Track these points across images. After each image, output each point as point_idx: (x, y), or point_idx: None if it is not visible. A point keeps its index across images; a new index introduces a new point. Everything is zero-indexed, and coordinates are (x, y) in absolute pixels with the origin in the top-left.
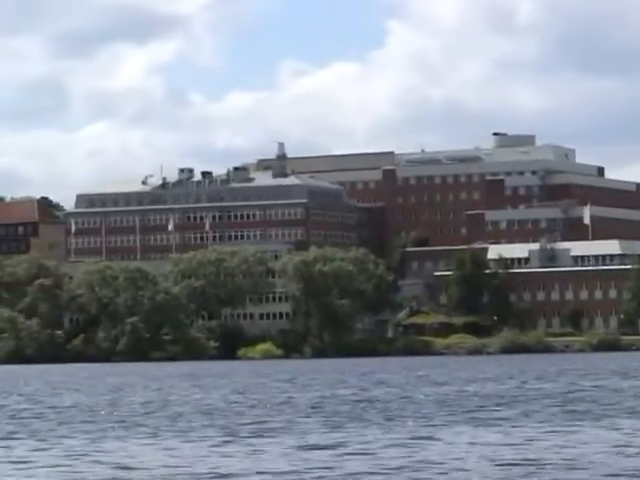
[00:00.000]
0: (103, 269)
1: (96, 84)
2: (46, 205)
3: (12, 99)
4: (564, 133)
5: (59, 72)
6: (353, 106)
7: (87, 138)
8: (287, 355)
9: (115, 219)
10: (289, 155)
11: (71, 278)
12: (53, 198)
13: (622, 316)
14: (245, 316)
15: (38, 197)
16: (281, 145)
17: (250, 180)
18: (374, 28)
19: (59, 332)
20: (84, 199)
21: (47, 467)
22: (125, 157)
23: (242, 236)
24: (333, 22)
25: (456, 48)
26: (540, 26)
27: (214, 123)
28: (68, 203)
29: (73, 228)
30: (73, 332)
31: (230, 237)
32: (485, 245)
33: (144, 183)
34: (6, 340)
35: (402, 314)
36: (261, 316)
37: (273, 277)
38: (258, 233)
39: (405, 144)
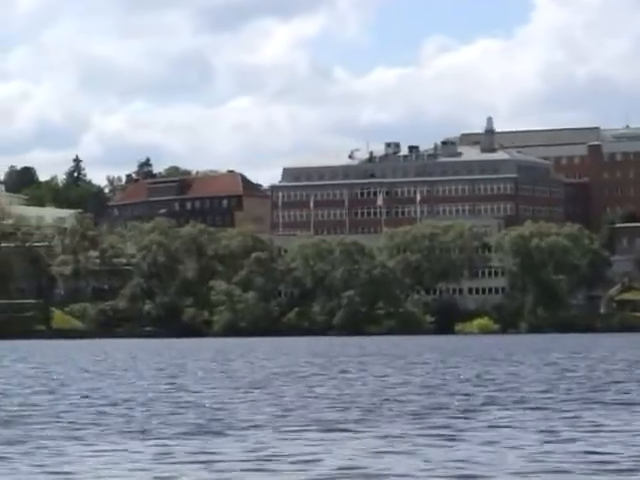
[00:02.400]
0: (318, 242)
1: (241, 59)
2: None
3: (158, 74)
4: None
5: (204, 47)
6: (497, 82)
7: (231, 112)
8: (503, 330)
9: (323, 193)
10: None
11: (284, 251)
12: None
13: None
14: (456, 291)
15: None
16: (489, 120)
17: (458, 155)
18: (519, 4)
19: (273, 305)
20: (290, 173)
21: None
22: (269, 132)
23: (450, 211)
24: None
25: (601, 24)
26: None
27: (358, 99)
28: None
29: (280, 202)
30: (287, 305)
31: (438, 212)
32: None
33: (351, 157)
34: (222, 313)
35: (614, 290)
36: (471, 290)
37: (484, 252)
38: (467, 208)
39: (548, 121)
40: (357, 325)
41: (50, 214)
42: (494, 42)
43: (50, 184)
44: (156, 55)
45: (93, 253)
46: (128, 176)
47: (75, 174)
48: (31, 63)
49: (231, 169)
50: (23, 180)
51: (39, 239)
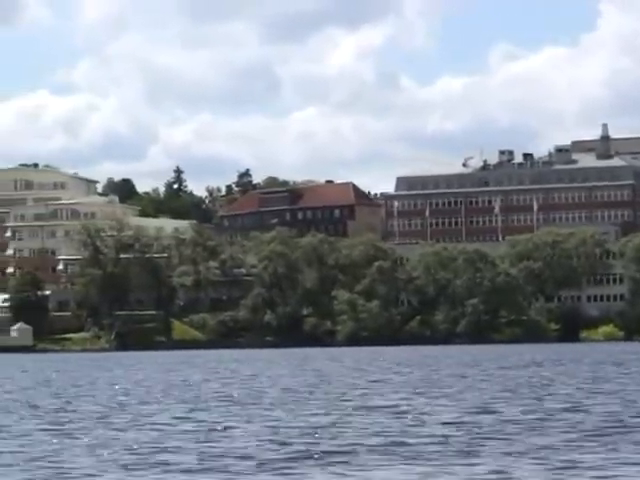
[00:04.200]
0: (439, 251)
1: (307, 69)
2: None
3: (224, 84)
4: None
5: (271, 57)
6: (564, 90)
7: (297, 123)
8: (629, 337)
9: (438, 201)
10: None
11: (400, 260)
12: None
13: None
14: (575, 298)
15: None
16: (604, 126)
17: (573, 162)
18: (586, 11)
19: (395, 314)
20: (404, 182)
21: None
22: (334, 142)
23: (567, 218)
24: (544, 5)
25: None
26: None
27: (424, 108)
28: None
29: (395, 211)
30: (410, 314)
31: (554, 219)
32: None
33: (465, 165)
34: (345, 322)
35: None
36: (589, 298)
37: (602, 258)
38: (583, 215)
39: (616, 128)
40: (480, 333)
41: (168, 225)
42: (560, 49)
43: (151, 195)
44: (222, 66)
45: (212, 264)
46: (228, 187)
47: (176, 185)
48: (97, 75)
49: (329, 179)
50: (123, 191)
51: (158, 250)
